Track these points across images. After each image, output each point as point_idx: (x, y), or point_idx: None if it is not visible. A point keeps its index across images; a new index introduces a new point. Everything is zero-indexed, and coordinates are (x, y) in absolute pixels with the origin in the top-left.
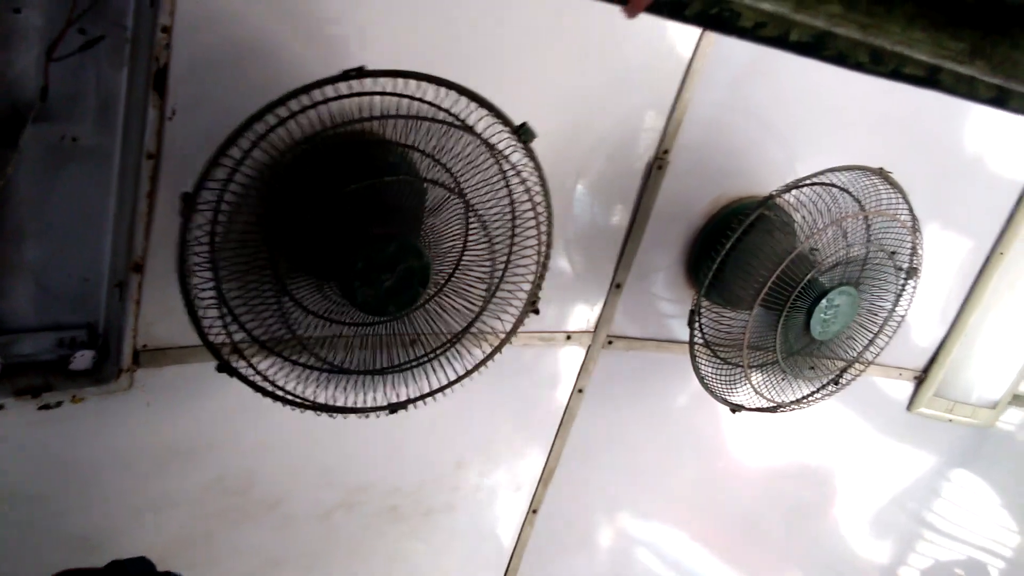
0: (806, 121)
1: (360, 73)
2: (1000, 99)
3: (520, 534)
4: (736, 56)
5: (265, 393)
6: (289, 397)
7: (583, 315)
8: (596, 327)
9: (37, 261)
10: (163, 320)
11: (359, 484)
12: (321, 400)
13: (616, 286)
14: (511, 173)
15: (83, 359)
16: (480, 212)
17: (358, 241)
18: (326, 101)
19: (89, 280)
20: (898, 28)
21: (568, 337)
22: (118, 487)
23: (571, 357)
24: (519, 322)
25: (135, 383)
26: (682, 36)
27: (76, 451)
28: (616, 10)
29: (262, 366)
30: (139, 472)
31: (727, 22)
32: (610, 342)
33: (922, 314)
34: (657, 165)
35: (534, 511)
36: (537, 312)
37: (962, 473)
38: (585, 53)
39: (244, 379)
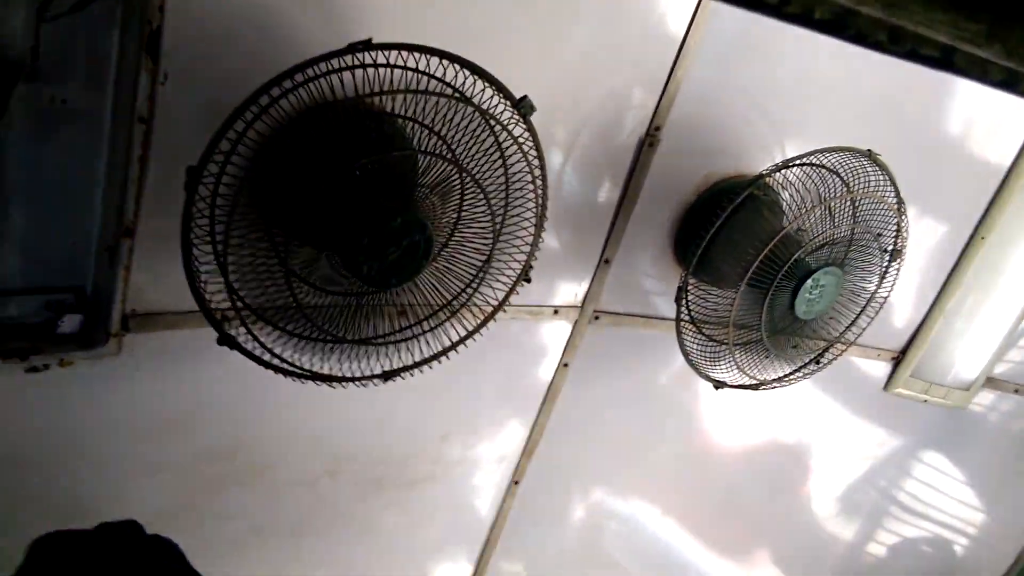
0: (796, 101)
1: (367, 46)
2: (1010, 82)
3: (502, 505)
4: (729, 34)
5: (267, 365)
6: (289, 368)
7: (571, 290)
8: (583, 302)
9: (25, 224)
10: (153, 285)
11: (346, 454)
12: (316, 370)
13: (605, 261)
14: (510, 145)
15: (71, 323)
16: (482, 183)
17: (364, 215)
18: (329, 73)
19: (78, 244)
20: (920, 7)
21: (555, 311)
22: (106, 452)
23: (558, 332)
24: (512, 290)
25: (124, 348)
26: (676, 12)
27: (65, 416)
28: None
29: (261, 336)
30: (127, 437)
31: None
32: (596, 317)
33: (902, 296)
34: (649, 142)
35: (516, 483)
36: (529, 280)
37: (933, 453)
38: (579, 28)
39: (245, 352)
